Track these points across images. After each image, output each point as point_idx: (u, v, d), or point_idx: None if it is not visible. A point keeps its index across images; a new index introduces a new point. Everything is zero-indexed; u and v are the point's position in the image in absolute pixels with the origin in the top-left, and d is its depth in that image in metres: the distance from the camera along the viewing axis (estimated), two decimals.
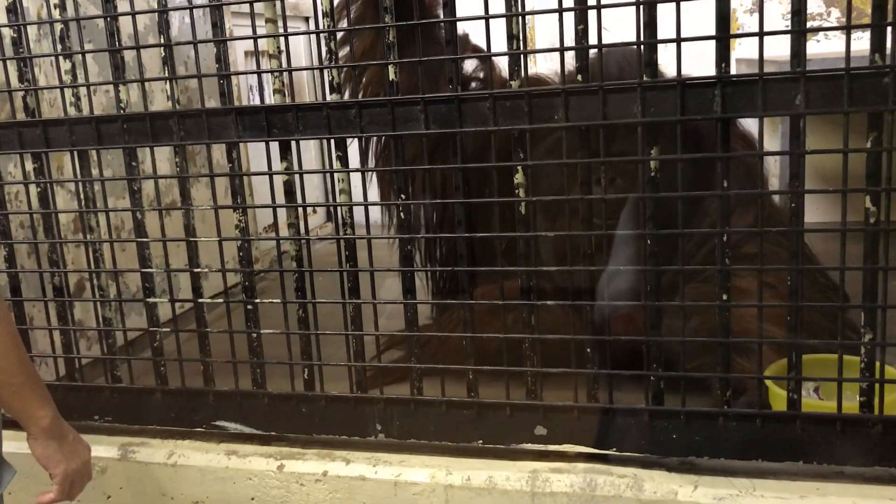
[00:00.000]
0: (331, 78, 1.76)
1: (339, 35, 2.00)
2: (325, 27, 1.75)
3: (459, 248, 1.78)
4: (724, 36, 1.52)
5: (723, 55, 1.53)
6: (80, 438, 1.41)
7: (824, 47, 3.45)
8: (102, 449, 2.02)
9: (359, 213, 1.87)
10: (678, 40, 1.55)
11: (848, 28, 1.48)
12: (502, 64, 1.70)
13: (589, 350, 1.73)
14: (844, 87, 1.45)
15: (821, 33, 3.49)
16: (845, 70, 1.45)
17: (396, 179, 1.79)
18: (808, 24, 1.54)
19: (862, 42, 1.52)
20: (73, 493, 1.40)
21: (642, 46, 1.56)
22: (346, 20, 1.98)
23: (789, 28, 1.50)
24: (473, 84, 2.25)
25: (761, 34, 1.51)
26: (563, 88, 1.60)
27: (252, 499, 1.92)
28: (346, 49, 2.12)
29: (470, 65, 2.27)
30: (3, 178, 2.05)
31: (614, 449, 1.75)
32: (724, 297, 1.62)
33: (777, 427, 1.65)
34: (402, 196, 1.80)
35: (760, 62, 1.51)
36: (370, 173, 2.16)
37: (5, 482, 1.37)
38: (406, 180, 1.80)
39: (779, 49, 1.74)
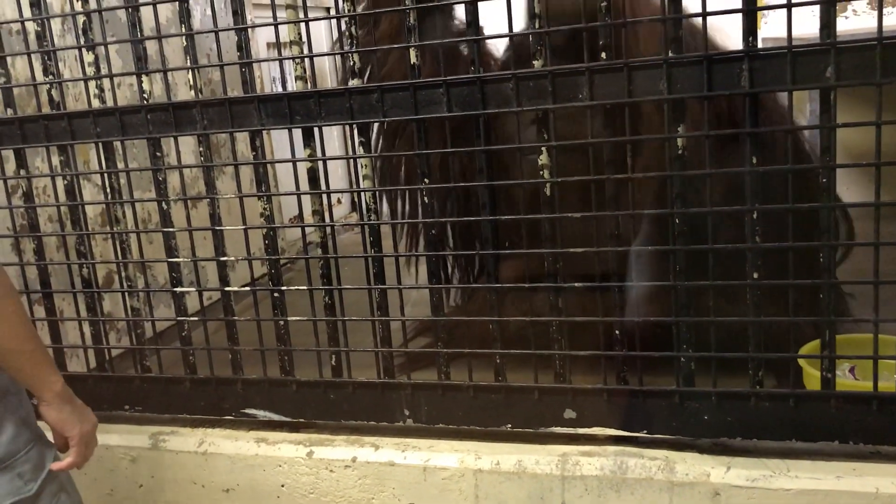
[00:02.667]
0: (352, 63, 1.76)
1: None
2: (347, 11, 1.74)
3: (484, 231, 1.77)
4: (751, 8, 1.49)
5: (750, 28, 1.50)
6: (84, 405, 1.46)
7: (852, 24, 3.38)
8: (133, 438, 2.04)
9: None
10: (703, 14, 1.52)
11: None
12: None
13: (617, 332, 1.72)
14: (877, 57, 1.42)
15: (849, 10, 3.42)
16: (877, 40, 1.41)
17: (420, 163, 1.77)
18: None
19: (892, 18, 1.49)
20: (87, 455, 1.44)
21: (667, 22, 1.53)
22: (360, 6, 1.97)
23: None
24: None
25: (789, 5, 1.47)
26: (588, 66, 1.57)
27: (282, 486, 1.92)
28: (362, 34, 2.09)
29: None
30: (30, 171, 2.07)
31: (645, 431, 1.73)
32: (756, 275, 1.59)
33: (811, 407, 1.62)
34: (426, 181, 1.79)
35: (789, 34, 1.48)
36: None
37: (48, 460, 1.41)
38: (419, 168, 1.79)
39: (806, 27, 1.70)
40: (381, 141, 2.08)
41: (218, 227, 1.94)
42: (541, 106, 1.63)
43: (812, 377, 1.73)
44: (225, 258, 1.96)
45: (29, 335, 1.33)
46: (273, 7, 1.78)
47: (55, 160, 2.04)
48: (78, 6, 1.90)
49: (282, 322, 1.94)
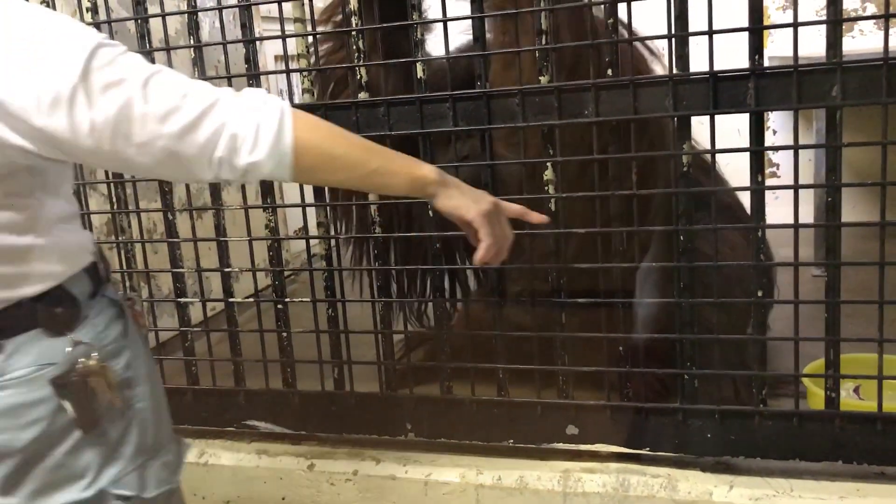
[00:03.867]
0: (358, 76, 1.76)
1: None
2: (355, 26, 1.75)
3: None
4: (756, 27, 1.50)
5: (756, 47, 1.50)
6: (474, 189, 1.32)
7: (859, 44, 3.39)
8: None
9: None
10: (710, 32, 1.52)
11: (886, 17, 1.44)
12: None
13: (621, 349, 1.71)
14: (882, 77, 1.42)
15: (856, 30, 3.43)
16: (883, 60, 1.42)
17: None
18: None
19: None
20: (496, 233, 1.29)
21: (673, 39, 1.54)
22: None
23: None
24: None
25: (795, 24, 1.48)
26: (594, 83, 1.58)
27: (283, 498, 1.92)
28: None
29: None
30: None
31: (647, 448, 1.72)
32: (760, 293, 1.59)
33: (815, 426, 1.61)
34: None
35: (795, 53, 1.48)
36: None
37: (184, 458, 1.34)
38: None
39: (812, 47, 1.71)
40: None
41: (223, 239, 1.94)
42: (547, 122, 1.63)
43: (816, 396, 1.72)
44: (229, 269, 1.97)
45: (365, 155, 1.21)
46: (281, 20, 1.79)
47: None
48: (87, 17, 1.91)
49: (285, 334, 1.94)
